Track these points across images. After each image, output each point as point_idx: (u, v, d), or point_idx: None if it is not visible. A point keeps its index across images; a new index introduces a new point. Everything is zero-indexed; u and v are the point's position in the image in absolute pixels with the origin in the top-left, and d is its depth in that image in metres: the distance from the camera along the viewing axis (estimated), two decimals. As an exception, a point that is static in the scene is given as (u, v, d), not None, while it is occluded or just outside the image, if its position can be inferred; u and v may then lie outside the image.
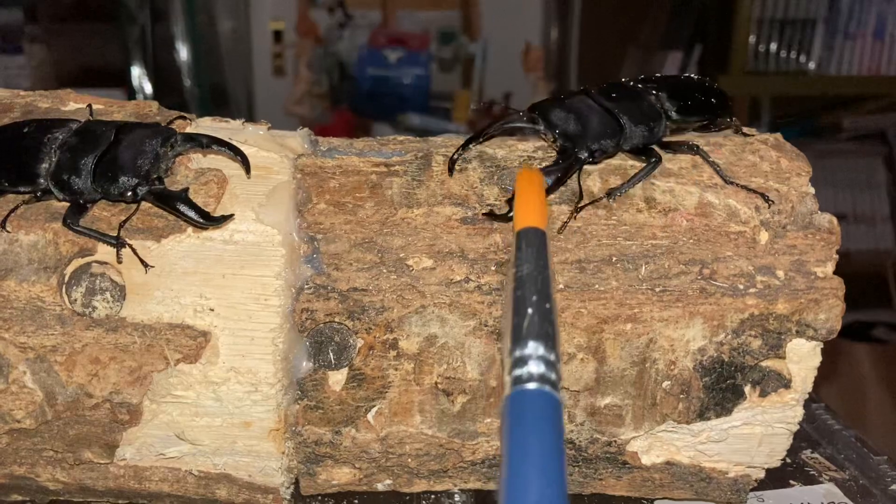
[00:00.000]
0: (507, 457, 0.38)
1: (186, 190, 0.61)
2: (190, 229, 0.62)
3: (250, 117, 2.81)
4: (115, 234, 0.60)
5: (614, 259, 0.63)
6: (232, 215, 0.61)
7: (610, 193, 0.64)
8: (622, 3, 3.10)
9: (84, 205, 0.61)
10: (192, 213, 0.60)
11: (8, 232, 0.60)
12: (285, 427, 0.63)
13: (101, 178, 0.60)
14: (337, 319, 0.62)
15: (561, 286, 0.63)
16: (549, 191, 0.61)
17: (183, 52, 2.60)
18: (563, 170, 0.62)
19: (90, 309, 0.60)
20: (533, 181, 0.57)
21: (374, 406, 0.64)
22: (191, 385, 0.61)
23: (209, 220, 0.60)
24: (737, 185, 0.65)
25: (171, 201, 0.60)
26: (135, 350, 0.60)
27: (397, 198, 0.65)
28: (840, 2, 2.84)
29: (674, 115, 0.67)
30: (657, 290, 0.63)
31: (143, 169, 0.60)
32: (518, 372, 0.41)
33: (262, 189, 0.64)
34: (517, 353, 0.42)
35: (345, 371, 0.63)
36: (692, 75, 0.75)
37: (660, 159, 0.65)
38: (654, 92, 0.68)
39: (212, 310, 0.61)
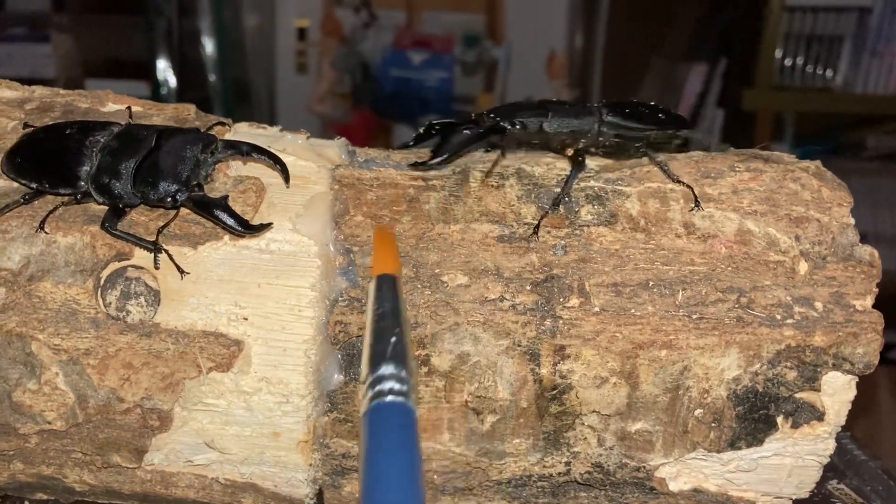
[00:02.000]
0: (366, 462, 0.44)
1: (226, 198, 0.61)
2: (227, 237, 0.61)
3: (272, 114, 2.82)
4: (153, 240, 0.60)
5: (651, 284, 0.63)
6: (270, 224, 0.61)
7: (556, 202, 0.65)
8: (648, 12, 3.09)
9: (123, 209, 0.61)
10: (231, 222, 0.60)
11: (46, 233, 0.60)
12: (314, 439, 0.63)
13: (142, 183, 0.60)
14: (370, 333, 0.62)
15: (597, 309, 0.62)
16: (461, 145, 0.66)
17: (209, 47, 2.61)
18: (485, 129, 0.67)
19: (124, 313, 0.60)
20: (386, 235, 0.63)
21: (403, 421, 0.63)
22: (222, 393, 0.60)
23: (248, 229, 0.60)
24: (684, 184, 0.66)
25: (210, 209, 0.60)
26: (168, 356, 0.60)
27: (434, 213, 0.65)
28: (869, 19, 2.82)
29: (608, 117, 0.69)
30: (694, 317, 0.62)
31: (184, 175, 0.60)
32: (378, 388, 0.48)
33: (300, 199, 0.64)
34: (376, 374, 0.48)
35: (375, 385, 0.63)
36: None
37: (583, 162, 0.68)
38: (597, 105, 0.72)
39: (246, 319, 0.60)
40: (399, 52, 2.93)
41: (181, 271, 0.60)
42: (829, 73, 2.85)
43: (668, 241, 0.64)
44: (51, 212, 0.61)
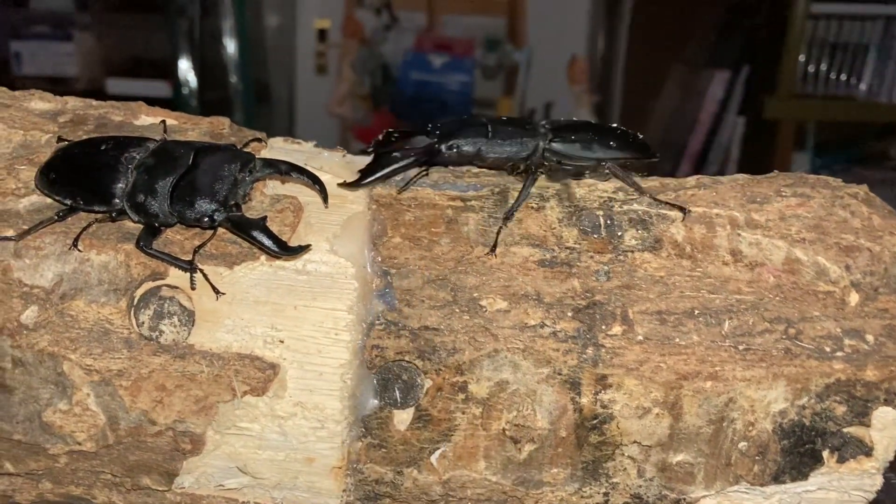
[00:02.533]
0: None
1: (264, 218, 0.59)
2: (263, 257, 0.60)
3: (291, 115, 2.81)
4: (189, 259, 0.59)
5: (697, 312, 0.61)
6: (309, 246, 0.60)
7: (505, 216, 0.63)
8: (671, 17, 3.06)
9: (158, 227, 0.60)
10: (269, 243, 0.58)
11: (79, 251, 0.59)
12: (347, 464, 0.62)
13: (179, 202, 0.59)
14: (407, 358, 0.60)
15: (640, 337, 0.61)
16: (393, 171, 0.64)
17: (230, 47, 2.60)
18: (422, 152, 0.65)
19: (157, 333, 0.59)
20: None
21: (438, 448, 0.62)
22: (256, 418, 0.59)
23: (286, 251, 0.59)
24: (653, 198, 0.65)
25: (248, 229, 0.59)
26: (202, 379, 0.59)
27: (473, 235, 0.63)
28: (894, 27, 2.79)
29: (552, 144, 0.67)
30: (740, 347, 0.60)
31: (222, 195, 0.59)
32: None
33: (337, 219, 0.62)
34: None
35: (411, 411, 0.61)
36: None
37: (536, 175, 0.66)
38: (544, 127, 0.69)
39: (282, 342, 0.59)
40: (420, 55, 2.92)
41: (217, 291, 0.59)
42: (852, 81, 2.82)
43: (715, 269, 0.62)
44: (84, 229, 0.60)
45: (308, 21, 3.11)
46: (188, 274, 0.59)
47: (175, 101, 2.54)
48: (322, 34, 3.10)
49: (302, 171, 0.62)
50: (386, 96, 2.97)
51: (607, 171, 0.67)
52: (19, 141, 0.65)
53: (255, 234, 0.58)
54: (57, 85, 2.67)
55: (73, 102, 0.71)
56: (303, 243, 0.60)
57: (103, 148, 0.62)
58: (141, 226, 0.60)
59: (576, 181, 0.68)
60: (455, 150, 0.65)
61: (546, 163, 0.67)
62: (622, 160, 0.68)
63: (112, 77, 2.64)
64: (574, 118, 0.76)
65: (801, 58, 2.76)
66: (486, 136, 0.66)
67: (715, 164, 2.96)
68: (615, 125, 0.73)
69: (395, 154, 0.65)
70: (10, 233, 0.60)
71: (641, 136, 0.72)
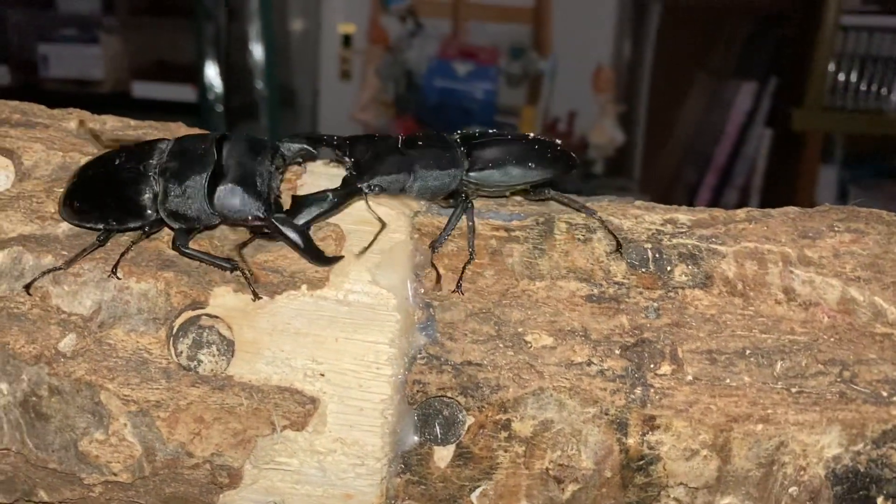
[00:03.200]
0: None
1: (308, 224, 0.59)
2: (304, 286, 0.59)
3: (314, 121, 2.81)
4: (227, 257, 0.58)
5: (748, 352, 0.59)
6: (342, 256, 0.59)
7: (433, 245, 0.61)
8: (699, 28, 3.04)
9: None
10: (306, 245, 0.58)
11: (119, 278, 0.58)
12: (386, 500, 0.60)
13: (219, 201, 0.58)
14: (449, 394, 0.59)
15: (690, 377, 0.59)
16: (327, 213, 0.60)
17: (256, 52, 2.60)
18: (342, 195, 0.60)
19: (195, 362, 0.58)
20: None
21: (478, 486, 0.61)
22: (295, 452, 0.58)
23: (321, 259, 0.58)
24: (599, 220, 0.63)
25: (289, 230, 0.58)
26: (241, 412, 0.57)
27: (518, 267, 0.62)
28: (925, 41, 2.75)
29: (469, 174, 0.64)
30: (793, 390, 0.59)
31: (263, 189, 0.58)
32: None
33: (378, 248, 0.61)
34: None
35: (452, 448, 0.60)
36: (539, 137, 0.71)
37: (468, 202, 0.62)
38: (460, 149, 0.65)
39: (322, 375, 0.58)
40: (445, 63, 2.90)
41: (256, 296, 0.58)
42: (882, 94, 2.79)
43: (768, 308, 0.60)
44: (122, 255, 0.59)
45: (333, 26, 3.11)
46: (229, 302, 0.58)
47: (200, 106, 2.55)
48: (346, 39, 3.10)
49: (329, 143, 0.62)
50: (410, 103, 2.96)
51: (549, 197, 0.65)
52: (58, 163, 0.64)
53: (293, 234, 0.57)
54: (83, 87, 2.68)
55: (111, 122, 0.70)
56: (346, 272, 0.59)
57: (118, 163, 0.61)
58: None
59: (615, 217, 0.66)
60: (377, 190, 0.62)
61: (467, 190, 0.64)
62: (542, 181, 0.66)
63: (137, 80, 2.65)
64: (487, 130, 0.70)
65: (830, 69, 2.72)
66: (409, 170, 0.62)
67: (741, 176, 2.94)
68: (530, 135, 0.69)
69: (313, 196, 0.60)
70: (50, 258, 0.59)
71: (560, 144, 0.69)
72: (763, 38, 2.98)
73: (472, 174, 0.64)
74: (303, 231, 0.58)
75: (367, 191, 0.61)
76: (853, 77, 2.79)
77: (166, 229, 0.60)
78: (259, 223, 0.58)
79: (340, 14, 3.10)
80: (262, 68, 2.62)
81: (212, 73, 2.55)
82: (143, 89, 2.61)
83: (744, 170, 2.93)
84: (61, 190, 0.62)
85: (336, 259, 0.59)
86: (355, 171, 0.62)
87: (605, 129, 2.96)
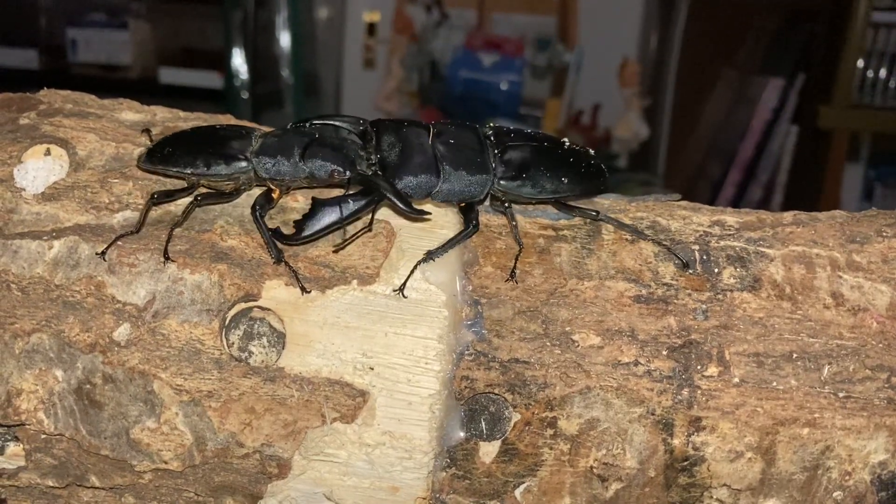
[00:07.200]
0: None
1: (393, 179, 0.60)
2: (355, 282, 0.59)
3: (338, 109, 2.81)
4: (279, 249, 0.59)
5: (795, 356, 0.59)
6: (430, 213, 0.60)
7: (429, 255, 0.60)
8: (727, 23, 3.01)
9: (272, 197, 0.60)
10: (397, 198, 0.59)
11: (172, 261, 0.59)
12: (431, 494, 0.61)
13: (311, 158, 0.60)
14: (496, 391, 0.59)
15: (737, 380, 0.59)
16: (347, 219, 0.59)
17: (283, 40, 2.60)
18: (362, 204, 0.59)
19: (246, 353, 0.59)
20: None
21: (523, 482, 0.61)
22: (343, 445, 0.59)
23: (412, 209, 0.59)
24: (653, 240, 0.62)
25: (378, 183, 0.59)
26: (292, 404, 0.58)
27: (566, 266, 0.62)
28: (955, 38, 2.71)
29: (500, 183, 0.62)
30: (840, 395, 0.59)
31: (351, 155, 0.61)
32: None
33: (428, 244, 0.62)
34: None
35: (497, 443, 0.60)
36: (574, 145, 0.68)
37: (476, 226, 0.61)
38: (491, 144, 0.64)
39: (372, 369, 0.58)
40: (470, 54, 2.90)
41: (303, 289, 0.58)
42: (911, 91, 2.76)
43: (816, 312, 0.60)
44: (169, 236, 0.59)
45: (357, 14, 3.10)
46: (281, 295, 0.58)
47: (226, 93, 2.56)
48: (371, 28, 3.09)
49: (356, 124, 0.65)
50: (434, 93, 2.96)
51: (598, 219, 0.63)
52: (112, 154, 0.65)
53: (385, 187, 0.59)
54: (111, 72, 2.70)
55: (161, 113, 0.71)
56: (396, 269, 0.59)
57: (219, 128, 0.65)
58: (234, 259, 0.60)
59: (662, 218, 0.66)
60: (407, 192, 0.60)
61: (495, 201, 0.63)
62: (572, 197, 0.65)
63: (165, 66, 2.66)
64: (520, 128, 0.68)
65: (859, 65, 2.69)
66: (437, 172, 0.60)
67: (766, 173, 2.91)
68: (566, 143, 0.67)
69: (333, 204, 0.59)
70: (102, 248, 0.59)
71: (594, 157, 0.67)
72: (791, 34, 2.95)
73: (502, 182, 0.63)
74: (390, 181, 0.60)
75: (389, 196, 0.59)
76: (882, 74, 2.76)
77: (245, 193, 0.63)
78: (343, 178, 0.61)
79: (365, 2, 3.10)
80: (289, 56, 2.62)
81: (238, 60, 2.55)
82: (170, 75, 2.63)
83: (769, 166, 2.91)
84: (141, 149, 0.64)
85: (425, 213, 0.60)
86: (381, 170, 0.61)
87: (629, 123, 2.94)
